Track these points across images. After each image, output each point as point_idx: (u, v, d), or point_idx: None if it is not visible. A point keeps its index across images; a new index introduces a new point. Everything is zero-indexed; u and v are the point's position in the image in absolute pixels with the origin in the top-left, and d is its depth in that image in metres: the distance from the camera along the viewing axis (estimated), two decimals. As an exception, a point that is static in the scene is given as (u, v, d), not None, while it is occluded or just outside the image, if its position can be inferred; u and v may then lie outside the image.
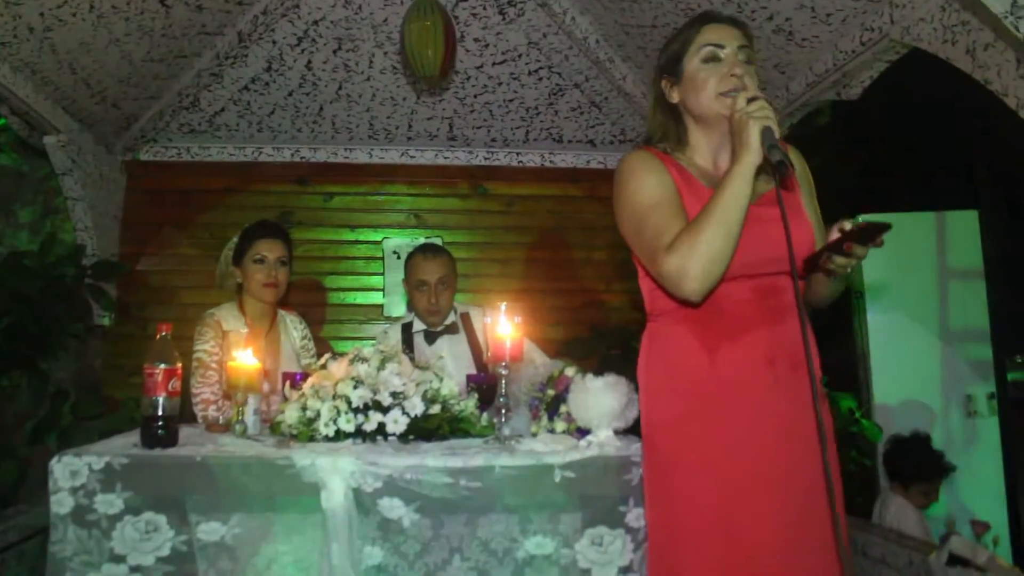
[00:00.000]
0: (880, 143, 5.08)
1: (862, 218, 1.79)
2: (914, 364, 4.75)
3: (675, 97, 1.93)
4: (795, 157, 1.94)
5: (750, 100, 1.72)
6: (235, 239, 3.16)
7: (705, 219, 1.71)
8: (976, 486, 4.67)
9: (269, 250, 3.05)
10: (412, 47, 3.18)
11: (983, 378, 4.82)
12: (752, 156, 1.69)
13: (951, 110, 4.74)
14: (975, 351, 4.87)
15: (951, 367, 4.81)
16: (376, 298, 5.01)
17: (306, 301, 4.72)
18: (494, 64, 4.59)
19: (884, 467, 4.01)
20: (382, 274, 5.03)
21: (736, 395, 1.79)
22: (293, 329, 3.22)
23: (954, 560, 2.66)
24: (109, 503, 2.00)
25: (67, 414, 4.39)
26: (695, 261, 1.70)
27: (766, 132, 1.68)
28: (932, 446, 3.94)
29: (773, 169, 1.67)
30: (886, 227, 1.66)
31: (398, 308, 4.99)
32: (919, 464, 3.81)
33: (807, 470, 1.76)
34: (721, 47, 1.85)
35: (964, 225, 4.88)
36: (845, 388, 4.65)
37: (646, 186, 1.87)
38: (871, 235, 1.67)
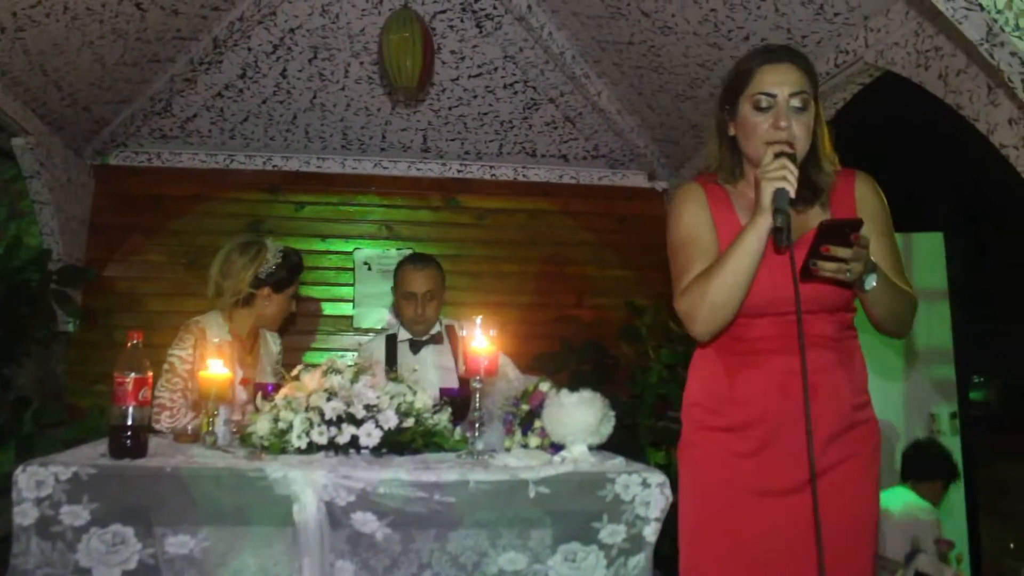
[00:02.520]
0: (848, 165, 5.14)
1: None
2: (880, 384, 4.78)
3: (732, 131, 1.99)
4: (868, 189, 2.00)
5: (777, 155, 1.79)
6: (272, 260, 3.03)
7: (715, 271, 1.86)
8: (940, 504, 4.72)
9: (297, 290, 3.19)
10: (391, 57, 3.18)
11: (946, 398, 4.88)
12: (764, 217, 1.79)
13: (918, 134, 4.82)
14: (939, 371, 4.93)
15: (915, 387, 4.86)
16: (346, 309, 4.98)
17: (275, 310, 4.68)
18: (470, 77, 4.60)
19: (901, 465, 4.23)
20: (352, 285, 5.01)
21: (750, 416, 1.94)
22: (272, 344, 3.23)
23: (920, 578, 2.70)
24: (75, 515, 1.95)
25: (28, 421, 4.30)
26: (702, 309, 1.87)
27: (778, 194, 1.76)
28: (945, 451, 4.25)
29: (774, 232, 1.76)
30: (855, 223, 1.73)
31: (368, 319, 4.97)
32: (930, 464, 4.09)
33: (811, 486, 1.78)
34: (773, 96, 1.87)
35: (930, 247, 4.95)
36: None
37: (682, 223, 2.01)
38: (841, 233, 1.73)
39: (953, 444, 4.83)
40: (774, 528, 1.89)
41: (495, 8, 4.28)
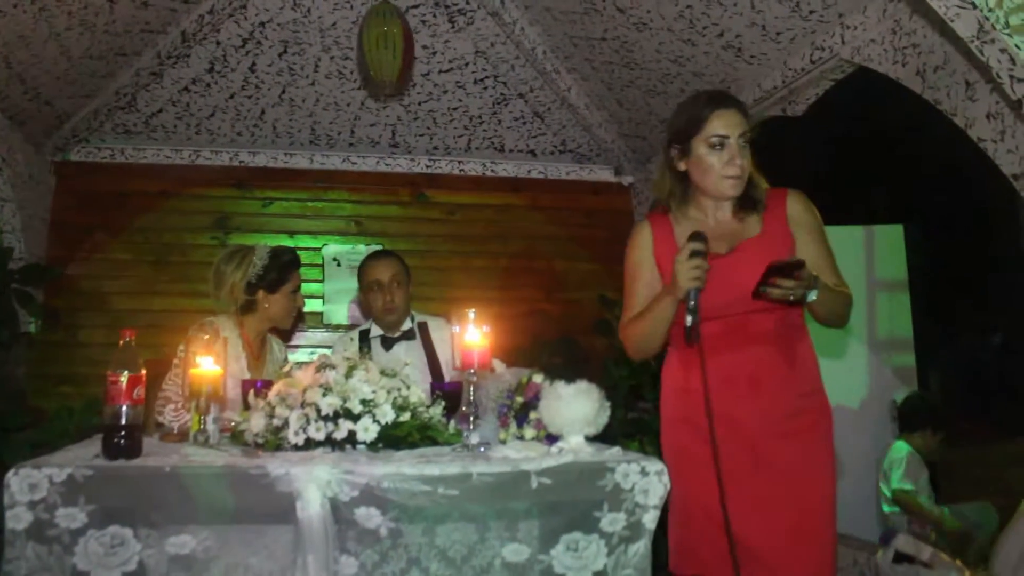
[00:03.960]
0: (815, 158, 5.26)
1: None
2: (843, 371, 4.90)
3: (682, 167, 2.32)
4: (799, 205, 2.36)
5: (693, 254, 2.14)
6: (259, 262, 3.03)
7: (638, 322, 2.33)
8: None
9: (299, 280, 3.17)
10: (371, 52, 3.16)
11: (907, 384, 5.01)
12: (676, 295, 2.18)
13: (882, 128, 4.94)
14: (899, 359, 5.06)
15: (877, 374, 4.99)
16: (316, 305, 4.95)
17: (245, 308, 4.62)
18: (440, 72, 4.60)
19: (898, 416, 4.60)
20: (322, 281, 4.97)
21: (700, 406, 2.20)
22: (278, 351, 3.23)
23: (900, 558, 2.77)
24: (71, 517, 1.91)
25: (-10, 425, 4.19)
26: (630, 345, 2.41)
27: (691, 293, 2.14)
28: (929, 402, 4.66)
29: (686, 329, 2.15)
30: (798, 264, 2.07)
31: (338, 315, 4.95)
32: (916, 415, 4.44)
33: (761, 467, 2.21)
34: (725, 138, 2.23)
35: (890, 239, 5.08)
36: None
37: (629, 262, 2.43)
38: (787, 271, 2.06)
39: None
40: (736, 508, 2.15)
41: (468, 3, 4.28)
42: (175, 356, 2.93)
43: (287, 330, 3.61)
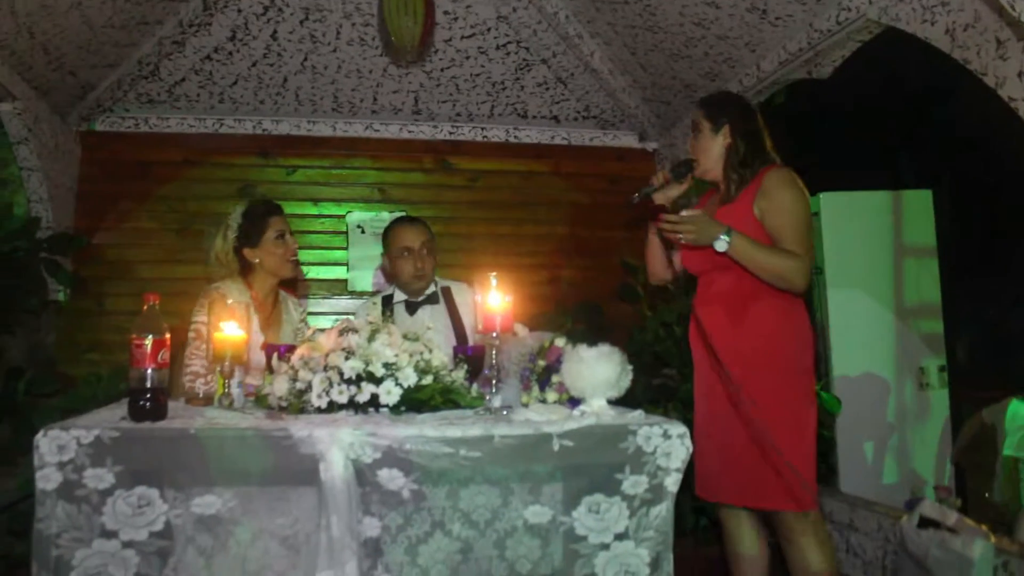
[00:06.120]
0: (840, 123, 5.18)
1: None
2: (871, 338, 4.86)
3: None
4: (775, 179, 2.63)
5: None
6: (233, 223, 3.11)
7: None
8: (928, 455, 4.82)
9: (284, 225, 3.14)
10: (391, 17, 3.14)
11: (935, 352, 4.96)
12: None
13: (910, 92, 4.85)
14: (927, 326, 5.00)
15: (905, 341, 4.93)
16: (340, 272, 4.97)
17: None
18: (462, 38, 4.55)
19: None
20: (346, 248, 4.99)
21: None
22: (294, 310, 3.25)
23: (925, 523, 2.75)
24: (99, 478, 1.94)
25: (22, 392, 4.26)
26: None
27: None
28: None
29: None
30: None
31: (362, 282, 4.96)
32: None
33: (711, 400, 2.76)
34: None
35: (919, 204, 5.00)
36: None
37: None
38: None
39: (942, 397, 4.93)
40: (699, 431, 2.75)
41: (489, -33, 4.23)
42: (189, 328, 2.96)
43: (294, 280, 3.63)
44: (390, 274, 3.48)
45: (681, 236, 2.57)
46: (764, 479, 2.57)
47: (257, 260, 3.09)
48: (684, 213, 2.57)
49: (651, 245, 2.99)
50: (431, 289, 3.44)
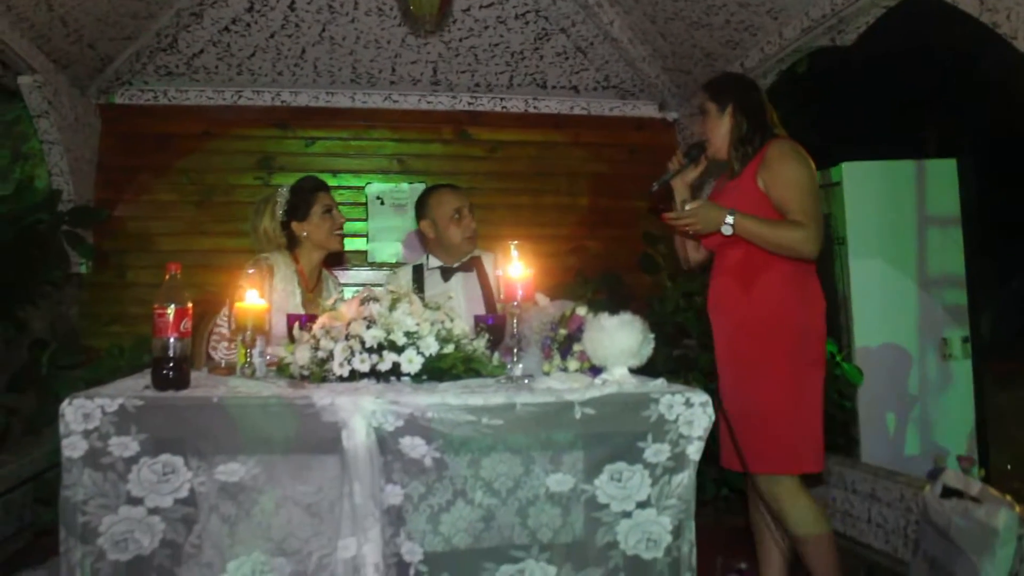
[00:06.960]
0: (864, 92, 5.10)
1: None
2: (893, 309, 4.82)
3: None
4: (775, 151, 2.69)
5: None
6: (281, 199, 3.18)
7: None
8: (949, 426, 4.79)
9: (331, 200, 3.23)
10: (410, -16, 3.11)
11: (958, 322, 4.91)
12: None
13: (936, 60, 4.76)
14: (951, 296, 4.95)
15: (928, 312, 4.89)
16: (360, 244, 4.98)
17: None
18: (481, 7, 4.51)
19: None
20: (365, 220, 4.99)
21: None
22: (333, 289, 3.29)
23: (948, 492, 2.74)
24: (124, 446, 1.95)
25: (46, 363, 4.30)
26: None
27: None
28: None
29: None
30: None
31: (383, 253, 4.97)
32: None
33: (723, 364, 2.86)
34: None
35: (943, 173, 4.93)
36: (827, 333, 4.72)
37: None
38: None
39: (965, 368, 4.89)
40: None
41: (507, -66, 4.18)
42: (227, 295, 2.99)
43: (339, 254, 3.66)
44: (432, 240, 3.46)
45: (687, 228, 2.71)
46: (748, 445, 2.64)
47: (305, 233, 3.16)
48: (687, 207, 2.69)
49: (676, 234, 3.08)
50: (465, 256, 3.44)
